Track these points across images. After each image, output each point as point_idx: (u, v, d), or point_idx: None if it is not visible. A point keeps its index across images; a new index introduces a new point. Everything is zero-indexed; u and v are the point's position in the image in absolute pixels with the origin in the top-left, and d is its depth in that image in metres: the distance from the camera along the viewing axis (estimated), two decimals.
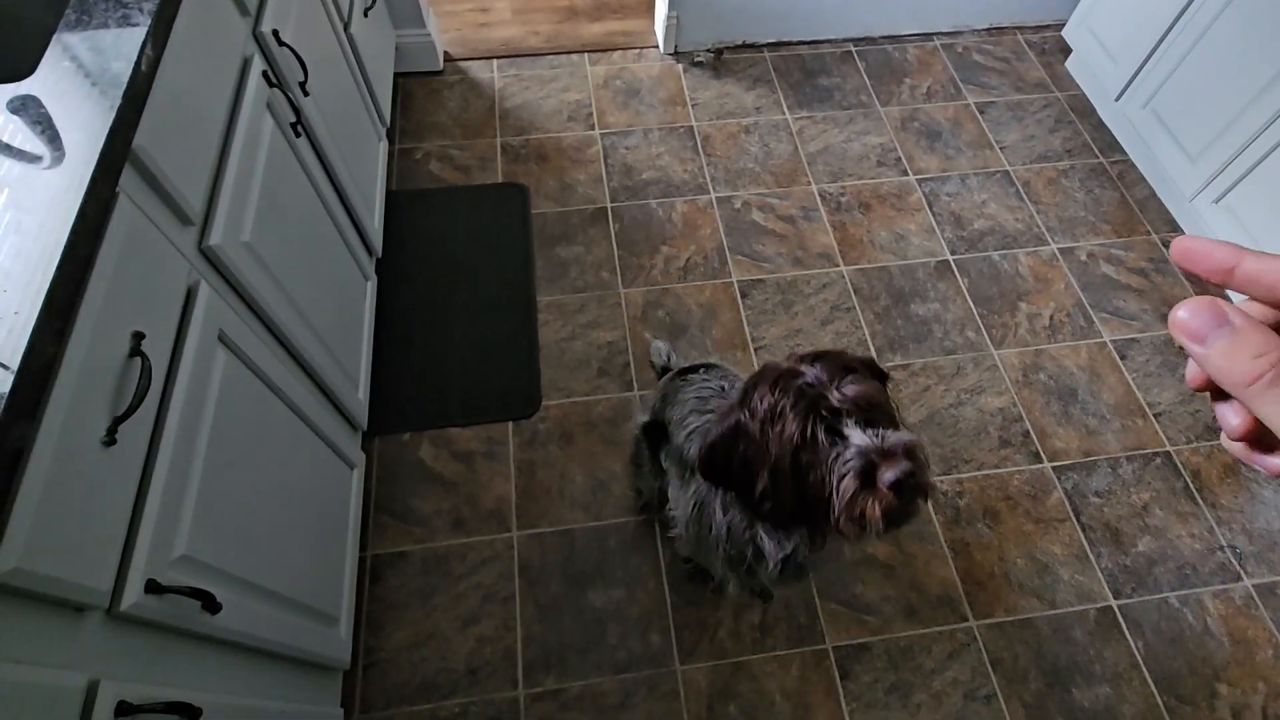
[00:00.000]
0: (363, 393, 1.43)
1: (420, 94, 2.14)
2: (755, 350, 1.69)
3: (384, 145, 1.82)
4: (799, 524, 0.83)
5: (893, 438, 0.70)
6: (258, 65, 1.06)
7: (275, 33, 1.11)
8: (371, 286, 1.58)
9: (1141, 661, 1.35)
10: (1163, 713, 1.30)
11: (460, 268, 1.80)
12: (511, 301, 1.75)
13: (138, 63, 0.75)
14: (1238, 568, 1.45)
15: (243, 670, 0.87)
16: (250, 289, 0.96)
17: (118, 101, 0.71)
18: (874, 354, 1.70)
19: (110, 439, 0.65)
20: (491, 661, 1.32)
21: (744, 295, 1.79)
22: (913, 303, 1.79)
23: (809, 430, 0.71)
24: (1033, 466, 1.57)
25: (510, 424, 1.58)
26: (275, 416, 1.02)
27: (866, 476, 0.69)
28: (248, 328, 0.95)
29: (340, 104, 1.47)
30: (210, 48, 0.94)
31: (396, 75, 2.12)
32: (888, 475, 0.67)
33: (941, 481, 1.54)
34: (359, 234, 1.53)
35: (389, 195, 1.89)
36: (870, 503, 0.69)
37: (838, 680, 1.32)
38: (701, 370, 1.20)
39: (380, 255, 1.68)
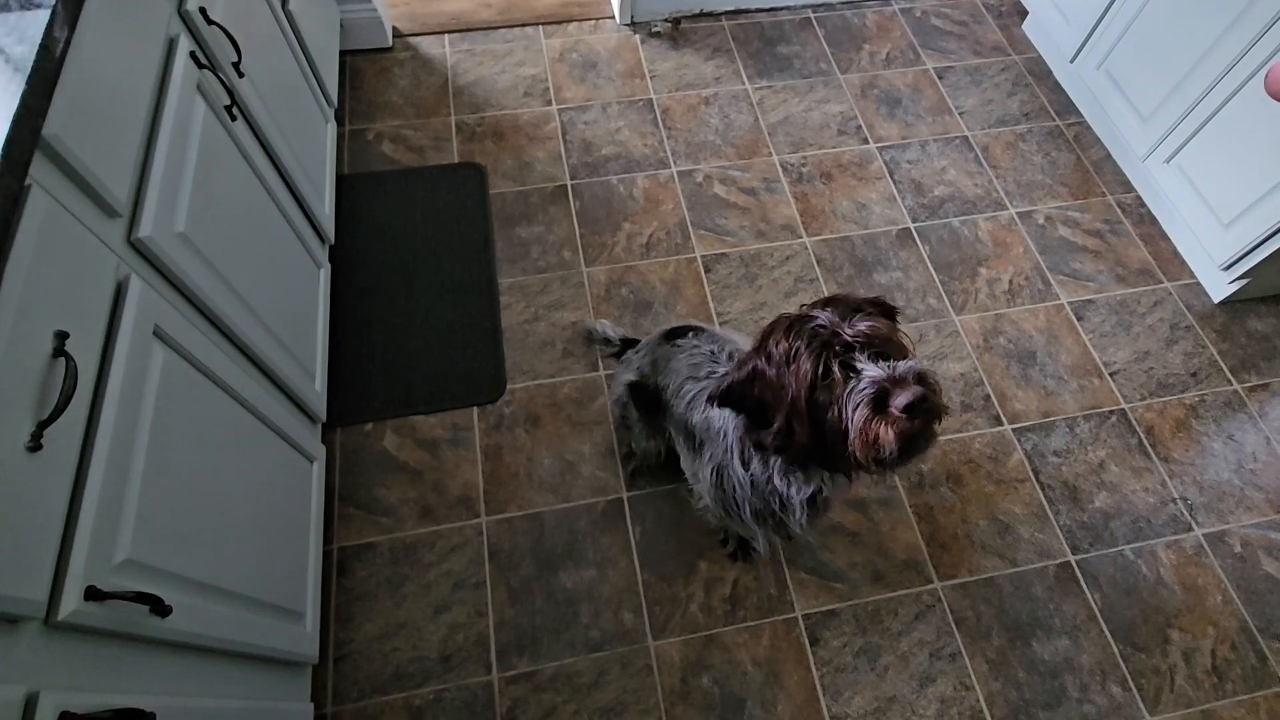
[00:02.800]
0: (320, 384, 1.40)
1: (369, 72, 2.07)
2: (720, 325, 1.69)
3: (332, 127, 1.76)
4: (817, 463, 0.86)
5: (903, 366, 0.74)
6: (184, 45, 1.01)
7: (203, 10, 1.06)
8: (325, 274, 1.54)
9: (1099, 613, 1.40)
10: (1119, 661, 1.35)
11: (418, 252, 1.76)
12: (472, 284, 1.72)
13: (43, 45, 0.71)
14: (1189, 519, 1.50)
15: (200, 671, 0.86)
16: (187, 282, 0.92)
17: (22, 87, 0.67)
18: None
19: (35, 444, 0.62)
20: (465, 648, 1.32)
21: (708, 270, 1.78)
22: (875, 272, 1.80)
23: (823, 366, 0.75)
24: (994, 429, 1.59)
25: (475, 409, 1.56)
26: (224, 413, 0.99)
27: (880, 404, 0.73)
28: (188, 322, 0.92)
29: (281, 85, 1.42)
30: (129, 28, 0.89)
31: (343, 53, 2.05)
32: (899, 400, 0.71)
33: None
34: (309, 220, 1.48)
35: (340, 179, 1.84)
36: (884, 427, 0.72)
37: (808, 647, 1.34)
38: (690, 334, 1.21)
39: (333, 242, 1.64)
